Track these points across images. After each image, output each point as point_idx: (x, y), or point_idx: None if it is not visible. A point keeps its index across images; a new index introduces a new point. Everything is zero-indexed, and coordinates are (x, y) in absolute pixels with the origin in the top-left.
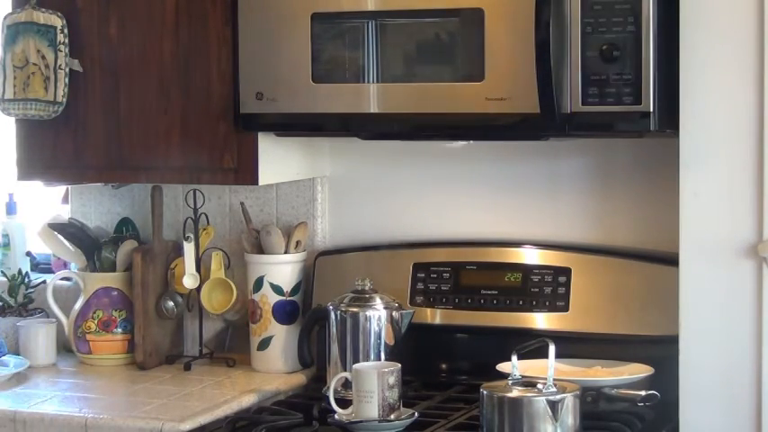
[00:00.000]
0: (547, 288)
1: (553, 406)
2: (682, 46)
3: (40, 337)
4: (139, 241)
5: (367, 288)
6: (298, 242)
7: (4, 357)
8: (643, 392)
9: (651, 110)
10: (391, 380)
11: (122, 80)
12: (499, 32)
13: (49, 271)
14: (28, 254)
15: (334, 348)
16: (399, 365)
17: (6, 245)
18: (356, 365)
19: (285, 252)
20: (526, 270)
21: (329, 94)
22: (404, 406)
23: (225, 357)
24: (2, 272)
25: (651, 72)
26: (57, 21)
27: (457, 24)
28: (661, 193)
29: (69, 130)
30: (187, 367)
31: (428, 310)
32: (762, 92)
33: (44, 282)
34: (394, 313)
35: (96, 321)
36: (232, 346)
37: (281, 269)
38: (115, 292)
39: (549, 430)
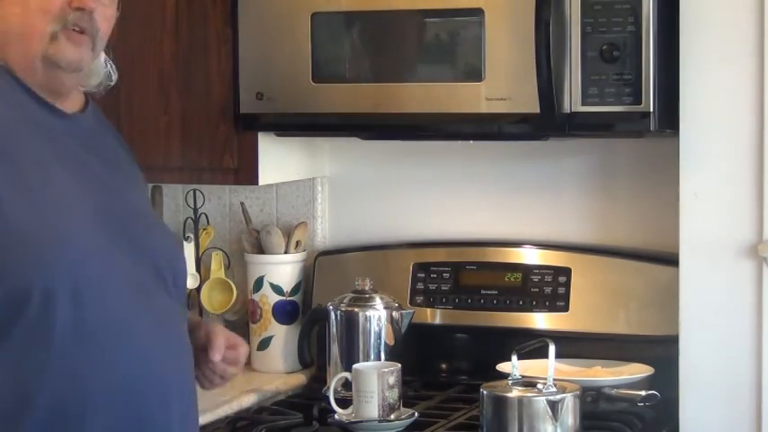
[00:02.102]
0: (547, 288)
1: (553, 406)
2: (682, 46)
3: None
4: None
5: (367, 288)
6: (298, 242)
7: None
8: (643, 392)
9: (651, 110)
10: (391, 380)
11: (122, 80)
12: (499, 32)
13: None
14: None
15: (334, 348)
16: (399, 365)
17: None
18: (356, 365)
19: (285, 252)
20: (526, 270)
21: (329, 94)
22: (404, 406)
23: None
24: None
25: (651, 72)
26: None
27: (457, 24)
28: (661, 193)
29: None
30: None
31: (428, 310)
32: (762, 92)
33: None
34: (394, 313)
35: None
36: None
37: (281, 269)
38: None
39: (549, 430)
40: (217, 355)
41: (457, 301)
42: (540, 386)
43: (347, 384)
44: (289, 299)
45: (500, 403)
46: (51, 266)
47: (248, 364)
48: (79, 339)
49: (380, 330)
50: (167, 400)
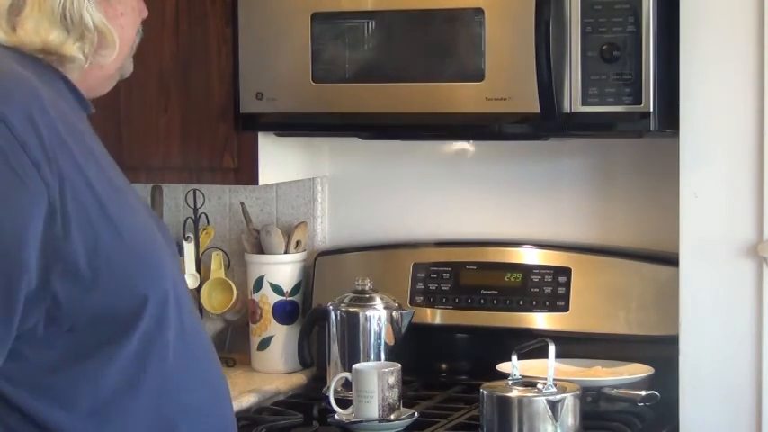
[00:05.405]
0: (547, 288)
1: (553, 406)
2: (682, 46)
3: None
4: None
5: (367, 288)
6: (298, 242)
7: None
8: (643, 392)
9: (651, 110)
10: (391, 380)
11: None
12: (499, 32)
13: None
14: None
15: (335, 348)
16: (399, 365)
17: None
18: (356, 365)
19: (285, 252)
20: (526, 270)
21: (329, 94)
22: (404, 406)
23: (225, 357)
24: None
25: (651, 72)
26: None
27: (457, 24)
28: (661, 193)
29: None
30: None
31: (428, 310)
32: (762, 92)
33: None
34: (394, 313)
35: None
36: (232, 346)
37: (281, 269)
38: None
39: (549, 430)
40: None
41: (457, 301)
42: (540, 386)
43: (347, 384)
44: (289, 299)
45: (500, 403)
46: (163, 277)
47: (248, 364)
48: (183, 342)
49: (380, 330)
50: (228, 398)
